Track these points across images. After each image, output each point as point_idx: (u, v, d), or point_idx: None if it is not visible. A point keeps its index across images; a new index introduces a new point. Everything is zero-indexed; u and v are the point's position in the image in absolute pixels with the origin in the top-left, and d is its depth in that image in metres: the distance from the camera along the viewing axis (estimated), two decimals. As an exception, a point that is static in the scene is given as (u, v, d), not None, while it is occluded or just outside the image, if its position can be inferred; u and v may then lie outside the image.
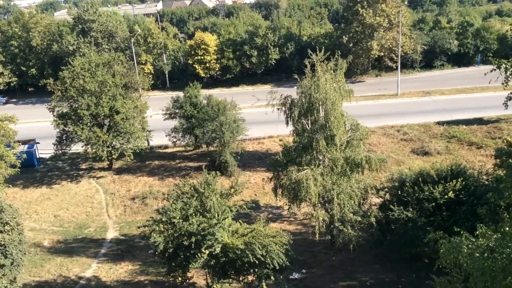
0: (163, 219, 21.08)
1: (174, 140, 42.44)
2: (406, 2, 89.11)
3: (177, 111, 41.98)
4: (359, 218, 24.52)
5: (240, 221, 22.72)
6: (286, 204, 27.23)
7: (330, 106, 23.90)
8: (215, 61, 65.92)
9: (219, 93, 56.74)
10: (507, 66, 9.94)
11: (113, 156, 39.23)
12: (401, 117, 47.20)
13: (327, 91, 23.70)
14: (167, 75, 68.42)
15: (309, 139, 24.71)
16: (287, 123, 26.01)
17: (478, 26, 67.06)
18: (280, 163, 26.44)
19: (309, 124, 25.36)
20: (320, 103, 24.17)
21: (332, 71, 24.76)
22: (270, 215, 32.52)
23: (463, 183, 23.17)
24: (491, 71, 9.47)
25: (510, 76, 9.72)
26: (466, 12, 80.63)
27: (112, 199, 36.76)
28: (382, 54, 62.70)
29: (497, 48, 64.49)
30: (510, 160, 18.47)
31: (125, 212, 34.87)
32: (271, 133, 45.22)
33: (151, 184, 38.39)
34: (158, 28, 69.91)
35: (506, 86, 9.43)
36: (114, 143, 38.99)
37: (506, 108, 9.42)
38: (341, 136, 24.51)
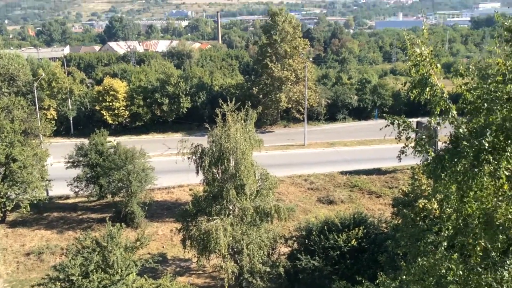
0: (61, 277, 19.36)
1: (77, 190, 39.96)
2: (311, 59, 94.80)
3: (81, 159, 39.89)
4: (268, 269, 24.43)
5: (145, 276, 21.55)
6: (195, 256, 26.48)
7: (240, 155, 24.13)
8: (124, 108, 64.45)
9: (128, 141, 55.06)
10: (399, 122, 10.67)
11: (7, 208, 36.00)
12: (308, 167, 48.89)
13: (237, 140, 23.99)
14: (71, 121, 65.40)
15: (220, 189, 24.61)
16: (198, 172, 25.77)
17: (375, 83, 72.73)
18: (189, 213, 25.90)
19: (220, 173, 25.32)
20: (231, 153, 24.33)
21: (242, 121, 25.21)
22: (178, 269, 31.35)
23: (365, 231, 24.21)
24: (386, 126, 10.21)
25: (403, 132, 10.47)
26: (365, 70, 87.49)
27: (4, 255, 33.34)
28: (290, 106, 65.46)
29: (392, 103, 70.10)
30: (405, 210, 19.62)
31: (18, 270, 31.70)
32: (181, 182, 44.45)
33: (49, 238, 35.53)
34: (64, 72, 67.30)
35: (399, 140, 10.19)
36: (9, 193, 35.90)
37: (400, 161, 10.22)
38: (251, 185, 24.70)
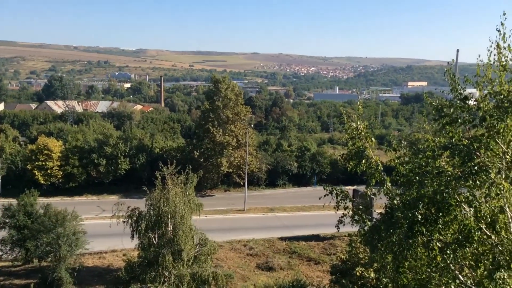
0: None
1: (0, 253, 37.05)
2: (252, 125, 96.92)
3: (7, 220, 37.34)
4: None
5: None
6: (126, 327, 24.83)
7: (179, 219, 23.66)
8: (58, 168, 61.89)
9: (60, 202, 52.48)
10: (338, 192, 11.07)
11: None
12: (248, 232, 48.45)
13: (176, 204, 23.60)
14: (0, 180, 61.73)
15: (156, 254, 23.74)
16: (133, 237, 24.85)
17: (314, 151, 75.03)
18: (122, 281, 24.65)
19: (156, 238, 24.55)
20: (169, 217, 23.81)
21: (182, 185, 24.97)
22: None
23: (304, 299, 23.97)
24: (325, 195, 10.56)
25: (341, 201, 10.85)
26: (304, 138, 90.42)
27: None
28: (231, 170, 65.71)
29: (330, 171, 72.22)
30: (343, 281, 19.77)
31: None
32: (115, 247, 42.38)
33: (-38, 307, 32.21)
34: (-4, 128, 64.40)
35: (337, 210, 10.52)
36: None
37: (338, 230, 10.46)
38: (189, 251, 24.08)
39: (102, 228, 42.26)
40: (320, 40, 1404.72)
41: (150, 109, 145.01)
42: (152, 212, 24.23)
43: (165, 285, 23.42)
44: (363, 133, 10.64)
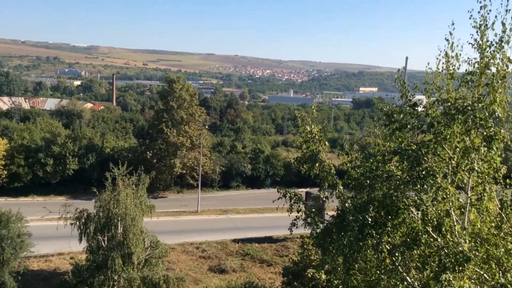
0: None
1: None
2: (207, 126, 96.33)
3: None
4: None
5: None
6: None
7: (129, 222, 23.13)
8: (2, 167, 59.08)
9: (4, 203, 50.08)
10: (291, 195, 11.17)
11: None
12: (201, 234, 48.07)
13: (127, 206, 23.07)
14: None
15: (105, 257, 23.10)
16: (81, 239, 24.09)
17: (268, 153, 75.50)
18: (69, 284, 23.85)
19: (106, 241, 23.88)
20: (119, 219, 23.24)
21: (134, 186, 24.43)
22: None
23: (256, 301, 24.01)
24: (279, 198, 10.62)
25: (294, 204, 10.95)
26: (258, 140, 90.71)
27: None
28: (184, 171, 64.98)
29: (284, 173, 72.87)
30: (295, 283, 19.95)
31: None
32: (62, 250, 40.92)
33: None
34: None
35: (290, 213, 10.62)
36: None
37: (291, 233, 10.52)
38: (140, 254, 23.58)
39: (48, 230, 40.65)
40: (275, 42, 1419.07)
41: (101, 107, 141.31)
42: (101, 214, 23.58)
43: (114, 289, 22.82)
44: (317, 137, 10.79)
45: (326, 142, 11.24)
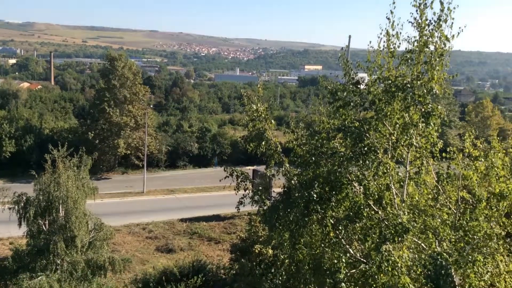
0: None
1: None
2: (151, 106, 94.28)
3: None
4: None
5: None
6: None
7: (71, 205, 22.40)
8: None
9: None
10: (238, 174, 11.21)
11: None
12: (147, 215, 47.48)
13: (68, 188, 22.31)
14: None
15: (46, 241, 22.33)
16: (20, 224, 23.11)
17: (215, 132, 75.20)
18: (9, 271, 22.91)
19: (47, 225, 23.06)
20: (61, 202, 22.45)
21: (75, 168, 23.62)
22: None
23: (203, 278, 24.16)
24: (225, 177, 10.63)
25: (241, 183, 11.01)
26: (205, 119, 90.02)
27: None
28: (129, 152, 63.51)
29: (231, 152, 72.96)
30: (242, 260, 20.19)
31: None
32: (0, 236, 39.21)
33: None
34: None
35: (237, 192, 10.69)
36: None
37: (239, 211, 10.58)
38: (83, 237, 22.96)
39: (-16, 216, 38.78)
40: (221, 20, 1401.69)
41: (39, 87, 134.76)
42: (41, 198, 22.66)
43: (57, 273, 22.17)
44: (263, 115, 10.82)
45: (272, 120, 11.30)
